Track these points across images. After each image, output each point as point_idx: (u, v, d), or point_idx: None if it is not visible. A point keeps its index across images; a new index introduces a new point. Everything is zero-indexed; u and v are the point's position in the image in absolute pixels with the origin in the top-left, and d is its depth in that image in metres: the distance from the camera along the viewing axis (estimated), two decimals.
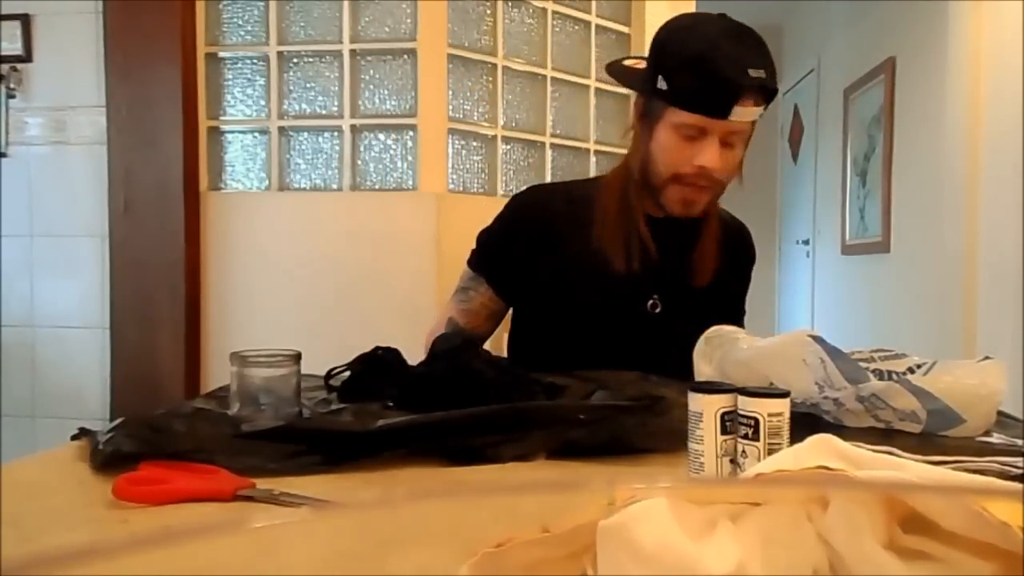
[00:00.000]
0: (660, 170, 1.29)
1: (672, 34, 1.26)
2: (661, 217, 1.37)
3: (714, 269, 1.36)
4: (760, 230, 6.12)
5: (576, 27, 2.20)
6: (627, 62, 1.44)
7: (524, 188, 1.49)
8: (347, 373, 1.08)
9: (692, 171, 1.26)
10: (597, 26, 2.23)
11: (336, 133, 2.00)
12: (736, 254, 1.46)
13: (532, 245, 1.35)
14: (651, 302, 1.35)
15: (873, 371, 0.95)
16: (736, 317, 1.48)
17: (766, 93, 1.24)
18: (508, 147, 2.11)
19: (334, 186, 2.00)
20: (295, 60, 2.01)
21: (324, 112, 2.00)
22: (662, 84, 1.25)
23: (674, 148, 1.26)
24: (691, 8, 2.32)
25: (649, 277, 1.34)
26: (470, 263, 1.41)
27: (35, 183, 2.05)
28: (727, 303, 1.45)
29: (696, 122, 1.23)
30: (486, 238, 1.41)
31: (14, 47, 2.03)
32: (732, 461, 0.73)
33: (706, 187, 1.28)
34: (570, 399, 0.98)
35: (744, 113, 1.21)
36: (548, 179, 2.13)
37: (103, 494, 0.68)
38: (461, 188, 2.02)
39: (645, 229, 1.33)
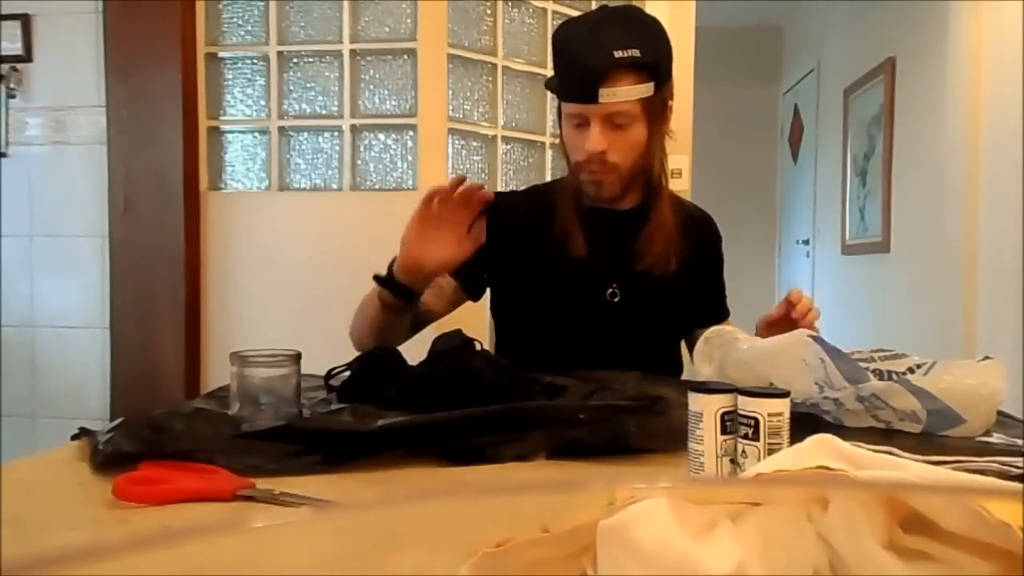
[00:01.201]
0: (569, 160, 1.37)
1: (554, 34, 1.33)
2: (615, 209, 1.39)
3: (668, 256, 1.37)
4: (760, 230, 6.05)
5: None
6: None
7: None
8: (347, 373, 1.08)
9: (584, 157, 1.31)
10: None
11: (336, 133, 2.00)
12: (700, 241, 1.47)
13: (497, 245, 1.37)
14: (610, 291, 1.37)
15: (873, 371, 0.95)
16: (712, 303, 1.50)
17: (648, 70, 1.25)
18: (508, 147, 2.11)
19: (334, 186, 2.00)
20: (295, 60, 2.00)
21: (324, 112, 2.00)
22: (553, 83, 1.33)
23: (570, 138, 1.33)
24: (690, 8, 2.32)
25: (605, 267, 1.37)
26: None
27: (35, 183, 2.05)
28: (695, 291, 1.45)
29: (575, 110, 1.29)
30: None
31: (14, 47, 2.03)
32: (732, 461, 0.73)
33: (603, 170, 1.31)
34: (570, 399, 0.98)
35: (617, 94, 1.24)
36: (548, 179, 2.13)
37: (103, 494, 0.68)
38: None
39: (579, 219, 1.36)
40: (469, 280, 1.39)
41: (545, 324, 1.39)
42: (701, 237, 1.47)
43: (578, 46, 1.25)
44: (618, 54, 1.22)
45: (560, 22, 2.16)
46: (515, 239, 1.39)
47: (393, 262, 1.26)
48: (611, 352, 1.32)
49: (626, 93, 1.25)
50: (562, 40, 1.29)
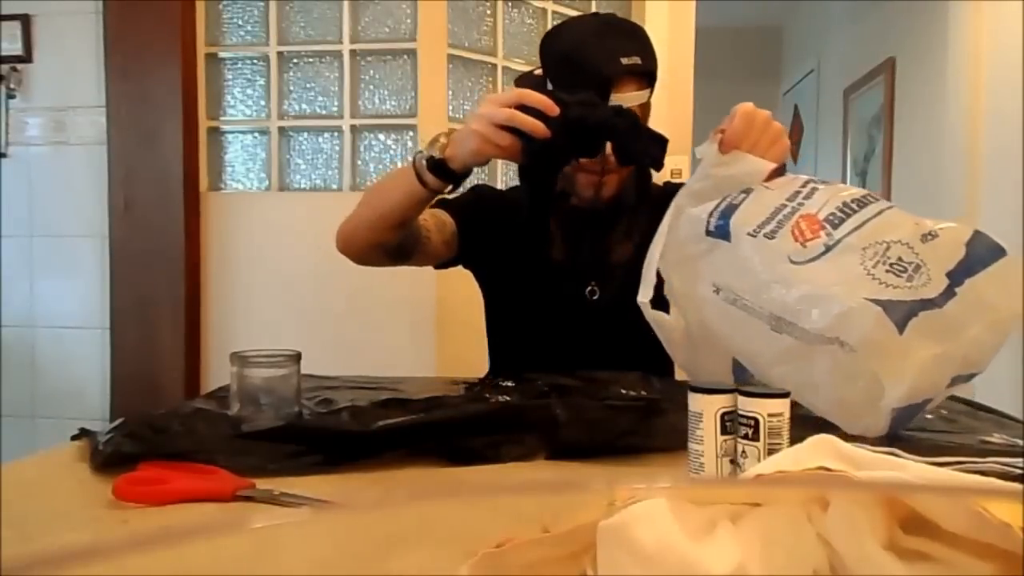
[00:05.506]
0: None
1: (548, 38, 1.34)
2: (595, 209, 1.39)
3: (637, 242, 1.36)
4: None
5: None
6: (536, 72, 1.45)
7: (481, 183, 1.52)
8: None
9: (589, 160, 1.30)
10: None
11: (336, 133, 2.00)
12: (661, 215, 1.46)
13: (491, 230, 1.39)
14: (589, 289, 1.39)
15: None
16: None
17: (646, 77, 1.29)
18: None
19: (334, 186, 2.00)
20: (295, 60, 2.00)
21: (324, 112, 2.00)
22: (549, 86, 1.31)
23: None
24: (691, 8, 2.32)
25: (584, 266, 1.39)
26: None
27: (35, 183, 2.05)
28: None
29: None
30: (454, 200, 1.40)
31: (14, 47, 2.03)
32: (732, 461, 0.73)
33: (608, 171, 1.32)
34: (572, 399, 0.98)
35: (624, 100, 1.26)
36: None
37: (103, 494, 0.68)
38: (461, 188, 2.02)
39: (554, 221, 1.37)
40: (462, 239, 1.38)
41: (530, 326, 1.41)
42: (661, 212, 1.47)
43: (587, 53, 1.27)
44: (624, 61, 1.26)
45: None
46: (506, 234, 1.40)
47: (422, 152, 1.21)
48: (597, 351, 1.33)
49: (631, 99, 1.28)
50: (566, 46, 1.30)
